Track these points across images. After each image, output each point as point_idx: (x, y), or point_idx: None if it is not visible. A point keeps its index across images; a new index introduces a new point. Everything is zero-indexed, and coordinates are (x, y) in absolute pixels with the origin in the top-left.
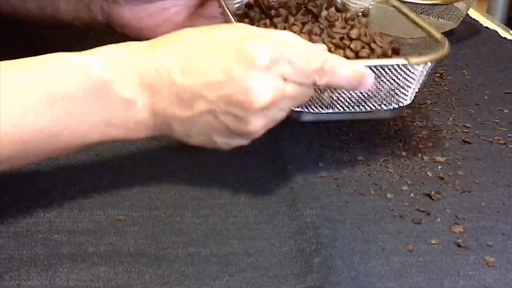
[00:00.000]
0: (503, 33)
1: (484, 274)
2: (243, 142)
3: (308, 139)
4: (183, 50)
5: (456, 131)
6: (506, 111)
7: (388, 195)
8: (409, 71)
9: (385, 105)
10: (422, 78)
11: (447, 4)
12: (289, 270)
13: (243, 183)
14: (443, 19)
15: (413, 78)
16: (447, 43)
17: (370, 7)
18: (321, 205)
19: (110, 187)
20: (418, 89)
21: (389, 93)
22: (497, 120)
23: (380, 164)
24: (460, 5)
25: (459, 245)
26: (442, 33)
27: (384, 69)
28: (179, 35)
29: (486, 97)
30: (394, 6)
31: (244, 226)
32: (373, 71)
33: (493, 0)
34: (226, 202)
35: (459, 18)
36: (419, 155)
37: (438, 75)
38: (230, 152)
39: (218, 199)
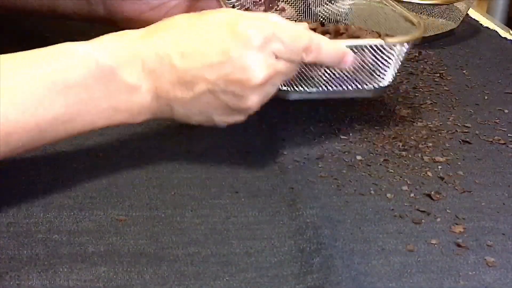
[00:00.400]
0: (503, 33)
1: (484, 274)
2: (240, 118)
3: (308, 139)
4: (180, 35)
5: (456, 131)
6: (506, 111)
7: (388, 195)
8: (387, 51)
9: (366, 84)
10: (400, 59)
11: (447, 4)
12: (289, 270)
13: (243, 183)
14: (443, 19)
15: (391, 59)
16: (422, 26)
17: (349, 7)
18: (321, 205)
19: (110, 187)
20: (397, 71)
21: (369, 72)
22: (497, 120)
23: (380, 164)
24: (460, 5)
25: (459, 245)
26: (442, 33)
27: (363, 49)
28: (172, 21)
29: (486, 97)
30: None
31: (244, 226)
32: (353, 51)
33: (493, 0)
34: (226, 202)
35: (459, 18)
36: (419, 155)
37: (438, 75)
38: (230, 152)
39: (218, 199)
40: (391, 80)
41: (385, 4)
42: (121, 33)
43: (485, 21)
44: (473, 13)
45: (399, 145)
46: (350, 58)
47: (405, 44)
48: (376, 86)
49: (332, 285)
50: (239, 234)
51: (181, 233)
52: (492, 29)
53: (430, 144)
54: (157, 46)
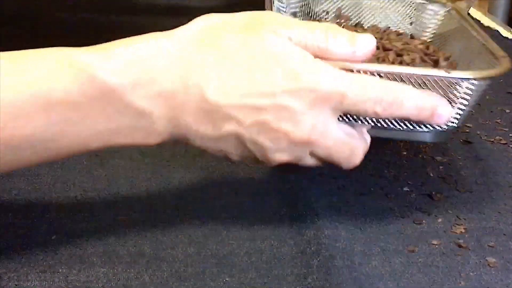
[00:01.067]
0: (504, 32)
1: (485, 275)
2: (256, 165)
3: None
4: (220, 61)
5: (457, 131)
6: (507, 111)
7: (389, 195)
8: (453, 86)
9: (421, 126)
10: (472, 98)
11: None
12: (289, 270)
13: (243, 183)
14: None
15: (457, 96)
16: (507, 62)
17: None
18: (321, 205)
19: (110, 187)
20: (468, 112)
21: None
22: (498, 120)
23: (380, 164)
24: (461, 5)
25: (460, 246)
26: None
27: (422, 80)
28: (212, 35)
29: (487, 97)
30: (460, 14)
31: (244, 226)
32: (403, 80)
33: (495, 0)
34: (226, 202)
35: None
36: (420, 155)
37: None
38: None
39: (218, 199)
40: (458, 123)
41: (469, 28)
42: (139, 41)
43: (486, 21)
44: (475, 13)
45: (399, 145)
46: (445, 112)
47: (477, 81)
48: (437, 128)
49: (332, 285)
50: (239, 234)
51: (181, 233)
52: (493, 29)
53: (431, 144)
54: (186, 69)
